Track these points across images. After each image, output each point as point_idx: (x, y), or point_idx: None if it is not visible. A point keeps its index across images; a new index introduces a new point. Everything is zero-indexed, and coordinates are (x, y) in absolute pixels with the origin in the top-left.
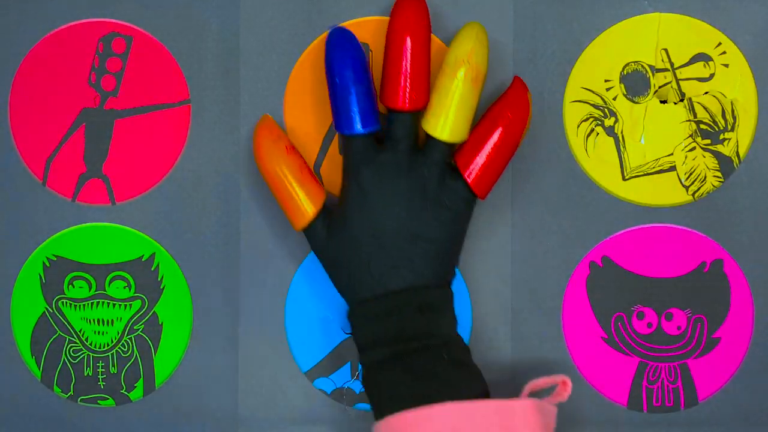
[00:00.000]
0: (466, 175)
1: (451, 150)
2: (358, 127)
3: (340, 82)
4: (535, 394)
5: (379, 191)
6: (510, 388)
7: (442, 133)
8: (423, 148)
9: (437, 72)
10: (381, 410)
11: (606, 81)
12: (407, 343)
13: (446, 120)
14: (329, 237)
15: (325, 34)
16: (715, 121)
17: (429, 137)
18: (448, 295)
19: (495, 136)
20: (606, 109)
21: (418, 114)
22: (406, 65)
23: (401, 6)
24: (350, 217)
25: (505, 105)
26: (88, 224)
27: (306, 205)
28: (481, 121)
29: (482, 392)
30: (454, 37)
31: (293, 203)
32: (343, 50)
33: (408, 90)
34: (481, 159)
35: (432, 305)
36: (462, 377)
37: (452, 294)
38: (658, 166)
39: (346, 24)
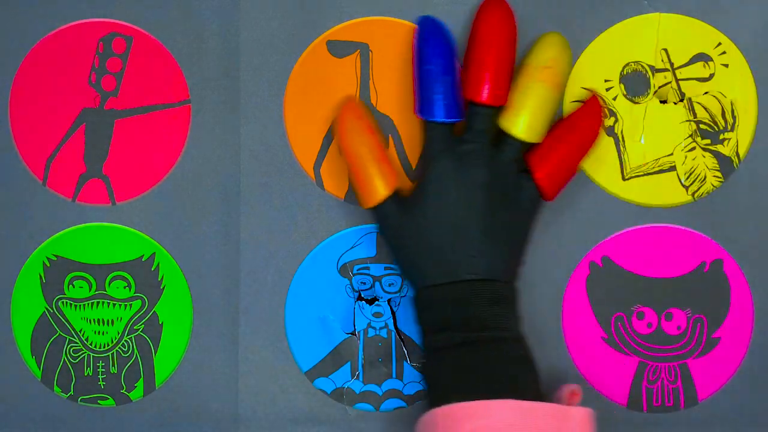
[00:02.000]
0: (537, 176)
1: (524, 149)
2: (443, 115)
3: (431, 69)
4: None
5: (458, 180)
6: None
7: (519, 131)
8: (498, 144)
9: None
10: (443, 395)
11: (606, 81)
12: (479, 332)
13: (524, 119)
14: (403, 219)
15: (325, 34)
16: (715, 121)
17: (505, 135)
18: (516, 292)
19: (570, 142)
20: (606, 109)
21: (497, 110)
22: (492, 61)
23: (490, 4)
24: (427, 203)
25: (583, 114)
26: (88, 224)
27: (378, 184)
28: (556, 126)
29: (540, 394)
30: (535, 43)
31: (366, 180)
32: (436, 38)
33: (492, 85)
34: (553, 161)
35: (503, 299)
36: (524, 376)
37: (518, 292)
38: (658, 166)
39: (346, 24)
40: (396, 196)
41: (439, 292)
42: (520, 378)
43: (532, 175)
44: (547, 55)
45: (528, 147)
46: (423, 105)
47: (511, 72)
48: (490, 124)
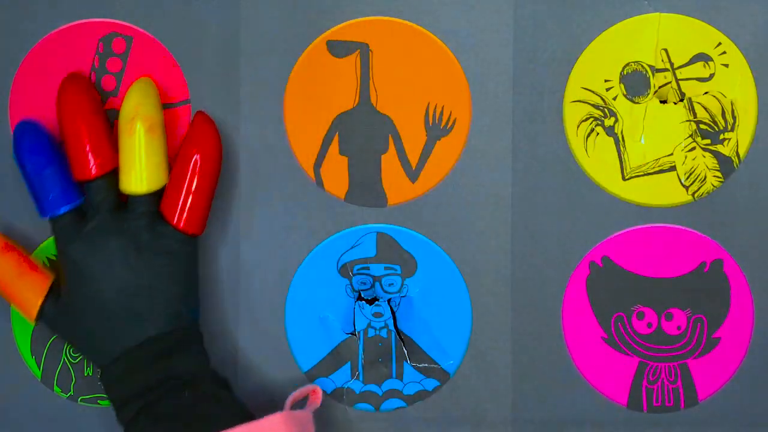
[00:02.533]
0: (173, 220)
1: (156, 198)
2: (54, 208)
3: (29, 169)
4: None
5: (92, 259)
6: (510, 388)
7: (137, 188)
8: (127, 204)
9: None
10: None
11: (606, 81)
12: (152, 392)
13: (136, 174)
14: (59, 316)
15: (325, 34)
16: (715, 121)
17: (129, 195)
18: (189, 335)
19: (189, 177)
20: (606, 109)
21: (112, 175)
22: (83, 136)
23: (63, 87)
24: (72, 293)
25: (191, 144)
26: None
27: (30, 299)
28: (176, 162)
29: (241, 419)
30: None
31: (18, 301)
32: (27, 138)
33: (91, 158)
34: (182, 200)
35: (170, 349)
36: (214, 409)
37: (195, 331)
38: (658, 166)
39: (346, 24)
40: (55, 296)
41: (112, 370)
42: (207, 414)
43: (166, 220)
44: (129, 105)
45: (158, 195)
46: (37, 206)
47: (107, 135)
48: (107, 193)
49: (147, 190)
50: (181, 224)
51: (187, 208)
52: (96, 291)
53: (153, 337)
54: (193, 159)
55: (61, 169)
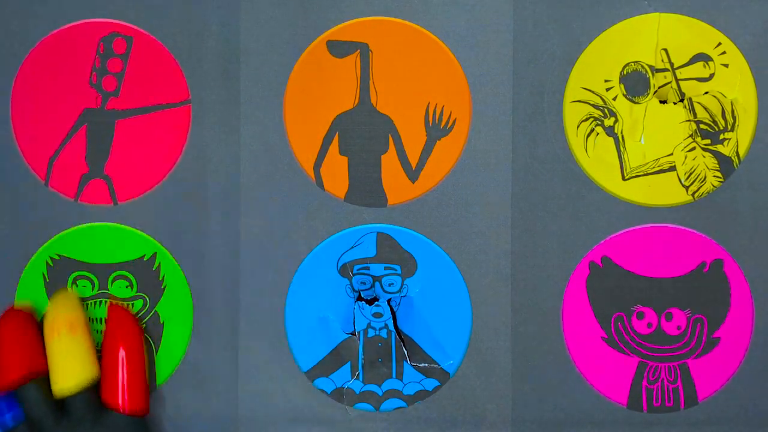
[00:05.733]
0: (118, 408)
1: (93, 393)
2: (7, 423)
3: None
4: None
5: None
6: (510, 388)
7: (63, 388)
8: (67, 407)
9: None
10: None
11: (606, 81)
12: None
13: (67, 376)
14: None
15: (325, 34)
16: (715, 121)
17: (66, 397)
18: None
19: (119, 366)
20: (606, 109)
21: (41, 383)
22: (4, 345)
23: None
24: None
25: (111, 337)
26: (90, 224)
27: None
28: (102, 356)
29: None
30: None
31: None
32: None
33: (20, 366)
34: (120, 389)
35: None
36: None
37: None
38: (658, 166)
39: (346, 24)
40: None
41: None
42: None
43: (110, 407)
44: (51, 314)
45: (90, 391)
46: None
47: (35, 344)
48: (42, 401)
49: (79, 389)
50: (126, 408)
51: (125, 393)
52: None
53: None
54: (118, 348)
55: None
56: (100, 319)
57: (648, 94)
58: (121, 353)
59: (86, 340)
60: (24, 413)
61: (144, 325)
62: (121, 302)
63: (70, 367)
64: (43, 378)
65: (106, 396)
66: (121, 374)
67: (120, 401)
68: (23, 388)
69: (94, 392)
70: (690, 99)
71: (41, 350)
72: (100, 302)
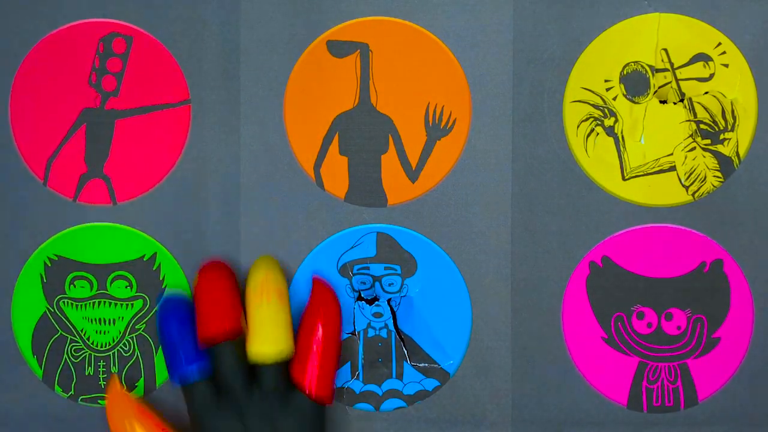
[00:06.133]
0: (304, 389)
1: (285, 367)
2: (193, 377)
3: (171, 339)
4: None
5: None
6: (510, 388)
7: (267, 356)
8: (258, 375)
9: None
10: None
11: (606, 81)
12: None
13: (269, 342)
14: None
15: (325, 34)
16: (715, 121)
17: (258, 365)
18: None
19: (316, 346)
20: (606, 109)
21: (237, 345)
22: (213, 300)
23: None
24: None
25: (315, 314)
26: (89, 224)
27: None
28: (299, 332)
29: None
30: (248, 275)
31: None
32: (174, 311)
33: (220, 323)
34: (313, 370)
35: None
36: None
37: None
38: (658, 166)
39: (346, 24)
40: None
41: None
42: None
43: (298, 388)
44: (258, 278)
45: (283, 365)
46: (172, 373)
47: (233, 302)
48: (235, 361)
49: (276, 359)
50: (314, 392)
51: (316, 376)
52: None
53: None
54: (318, 326)
55: (193, 338)
56: (98, 320)
57: (648, 94)
58: (319, 330)
59: (289, 313)
60: (213, 370)
61: (144, 326)
62: (326, 282)
63: (274, 334)
64: (238, 340)
65: (296, 373)
66: (314, 351)
67: (307, 382)
68: (219, 346)
69: (286, 368)
70: (690, 99)
71: (241, 311)
72: (98, 303)
